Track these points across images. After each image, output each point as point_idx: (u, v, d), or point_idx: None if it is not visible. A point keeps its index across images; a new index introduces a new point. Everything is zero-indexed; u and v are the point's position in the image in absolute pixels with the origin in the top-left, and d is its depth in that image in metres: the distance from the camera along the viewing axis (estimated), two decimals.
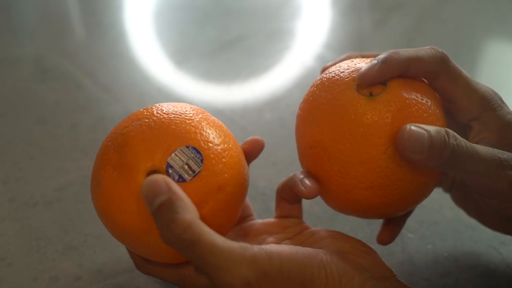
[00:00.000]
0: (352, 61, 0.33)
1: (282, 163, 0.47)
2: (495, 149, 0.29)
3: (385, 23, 0.73)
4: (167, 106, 0.31)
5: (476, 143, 0.31)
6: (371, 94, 0.30)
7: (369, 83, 0.31)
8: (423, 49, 0.31)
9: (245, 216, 0.36)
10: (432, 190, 0.33)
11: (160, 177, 0.27)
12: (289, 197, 0.35)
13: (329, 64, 0.36)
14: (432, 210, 0.41)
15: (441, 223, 0.40)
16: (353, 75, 0.31)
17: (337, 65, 0.34)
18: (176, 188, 0.27)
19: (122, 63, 0.64)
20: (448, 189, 0.38)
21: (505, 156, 0.29)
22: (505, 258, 0.37)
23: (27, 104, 0.56)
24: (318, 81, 0.33)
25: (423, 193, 0.32)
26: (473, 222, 0.40)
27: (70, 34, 0.72)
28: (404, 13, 0.76)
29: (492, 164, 0.29)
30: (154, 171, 0.28)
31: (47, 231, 0.40)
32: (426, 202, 0.42)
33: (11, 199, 0.43)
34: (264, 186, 0.44)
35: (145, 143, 0.29)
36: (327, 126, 0.31)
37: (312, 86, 0.34)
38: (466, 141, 0.28)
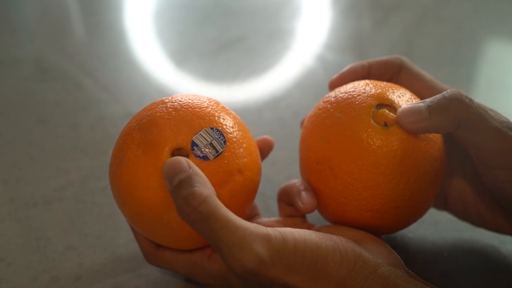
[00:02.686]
0: (368, 85, 0.34)
1: (282, 163, 0.47)
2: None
3: (385, 23, 0.73)
4: (190, 95, 0.33)
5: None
6: (385, 125, 0.32)
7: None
8: (383, 57, 0.37)
9: (253, 215, 0.37)
10: (425, 213, 0.35)
11: (181, 158, 0.28)
12: (289, 202, 0.35)
13: (335, 78, 0.38)
14: (432, 210, 0.41)
15: (441, 223, 0.40)
16: (369, 101, 0.33)
17: (351, 85, 0.35)
18: (196, 168, 0.28)
19: (122, 63, 0.64)
20: (442, 206, 0.38)
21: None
22: (505, 258, 0.37)
23: (27, 104, 0.56)
24: (333, 99, 0.34)
25: (416, 218, 0.35)
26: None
27: (70, 34, 0.72)
28: (404, 13, 0.76)
29: (503, 125, 0.30)
30: (179, 149, 0.30)
31: (47, 231, 0.40)
32: None
33: (11, 199, 0.43)
34: (264, 186, 0.44)
35: (171, 122, 0.30)
36: (338, 147, 0.32)
37: (324, 102, 0.35)
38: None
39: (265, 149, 0.37)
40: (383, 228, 0.33)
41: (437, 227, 0.40)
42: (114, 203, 0.42)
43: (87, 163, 0.47)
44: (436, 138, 0.33)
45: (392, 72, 0.37)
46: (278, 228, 0.28)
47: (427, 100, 0.31)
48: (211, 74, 0.63)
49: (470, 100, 0.30)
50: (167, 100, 0.32)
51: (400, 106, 0.32)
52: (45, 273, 0.37)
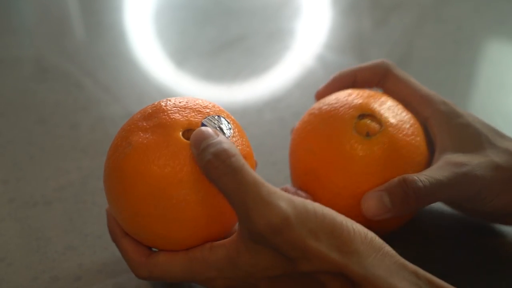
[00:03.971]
0: (350, 95, 0.36)
1: (282, 163, 0.47)
2: (455, 163, 0.32)
3: (385, 23, 0.73)
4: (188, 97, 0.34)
5: (435, 142, 0.36)
6: (367, 135, 0.34)
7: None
8: (368, 62, 0.38)
9: None
10: (411, 216, 0.37)
11: (209, 128, 0.29)
12: None
13: (321, 89, 0.39)
14: (432, 210, 0.41)
15: (441, 223, 0.40)
16: (351, 112, 0.34)
17: (334, 96, 0.37)
18: (223, 135, 0.29)
19: (122, 63, 0.64)
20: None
21: (464, 166, 0.32)
22: (505, 258, 0.37)
23: (27, 104, 0.56)
24: (316, 111, 0.36)
25: (403, 220, 0.36)
26: (473, 222, 0.40)
27: (70, 34, 0.72)
28: (404, 13, 0.76)
29: (456, 180, 0.31)
30: (189, 130, 0.30)
31: (47, 231, 0.40)
32: None
33: (11, 199, 0.43)
34: None
35: (179, 109, 0.31)
36: (324, 158, 0.34)
37: (309, 115, 0.37)
38: (427, 178, 0.31)
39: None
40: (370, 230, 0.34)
41: (437, 227, 0.40)
42: None
43: (87, 163, 0.47)
44: (419, 143, 0.35)
45: (379, 78, 0.38)
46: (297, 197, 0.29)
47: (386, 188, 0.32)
48: (211, 74, 0.63)
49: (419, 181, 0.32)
50: (170, 99, 0.32)
51: (381, 115, 0.34)
52: (45, 273, 0.37)
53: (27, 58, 0.65)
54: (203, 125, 0.30)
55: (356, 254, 0.27)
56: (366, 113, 0.34)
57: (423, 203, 0.32)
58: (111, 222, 0.33)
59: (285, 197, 0.27)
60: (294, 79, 0.60)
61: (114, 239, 0.33)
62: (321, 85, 0.40)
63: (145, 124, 0.31)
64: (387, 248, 0.29)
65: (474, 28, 0.72)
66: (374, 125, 0.34)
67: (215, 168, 0.27)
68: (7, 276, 0.36)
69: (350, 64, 0.39)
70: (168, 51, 0.68)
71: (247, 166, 0.28)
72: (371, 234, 0.29)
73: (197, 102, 0.32)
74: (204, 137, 0.28)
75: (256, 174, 0.28)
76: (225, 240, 0.30)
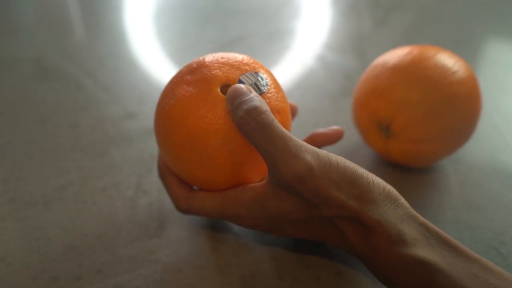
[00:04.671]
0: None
1: None
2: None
3: (385, 23, 0.73)
4: (229, 53, 0.36)
5: None
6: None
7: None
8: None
9: None
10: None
11: (244, 85, 0.32)
12: None
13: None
14: (432, 210, 0.41)
15: (441, 223, 0.40)
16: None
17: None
18: (255, 92, 0.32)
19: (122, 63, 0.64)
20: None
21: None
22: (505, 258, 0.37)
23: (27, 104, 0.56)
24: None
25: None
26: (473, 222, 0.40)
27: (70, 34, 0.72)
28: (404, 13, 0.76)
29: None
30: (227, 86, 0.33)
31: (47, 231, 0.40)
32: (426, 202, 0.42)
33: (11, 199, 0.43)
34: None
35: (220, 65, 0.34)
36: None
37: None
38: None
39: (291, 111, 0.41)
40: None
41: (437, 227, 0.40)
42: (114, 203, 0.43)
43: (87, 163, 0.47)
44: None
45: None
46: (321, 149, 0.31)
47: None
48: None
49: None
50: (213, 54, 0.36)
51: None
52: (45, 273, 0.37)
53: (27, 58, 0.65)
54: (239, 81, 0.33)
55: (373, 202, 0.30)
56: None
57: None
58: (160, 161, 0.38)
59: (310, 150, 0.30)
60: (294, 79, 0.60)
61: (161, 175, 0.37)
62: (321, 85, 0.41)
63: (189, 77, 0.34)
64: (402, 200, 0.31)
65: (474, 28, 0.72)
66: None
67: (247, 124, 0.30)
68: (7, 276, 0.36)
69: (350, 64, 0.39)
70: (168, 51, 0.68)
71: (276, 122, 0.30)
72: (389, 187, 0.31)
73: (237, 59, 0.35)
74: (238, 94, 0.31)
75: (284, 129, 0.30)
76: (256, 184, 0.33)
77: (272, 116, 0.31)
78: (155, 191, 0.44)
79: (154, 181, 0.45)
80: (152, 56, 0.66)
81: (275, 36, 0.71)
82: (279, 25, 0.74)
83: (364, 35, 0.71)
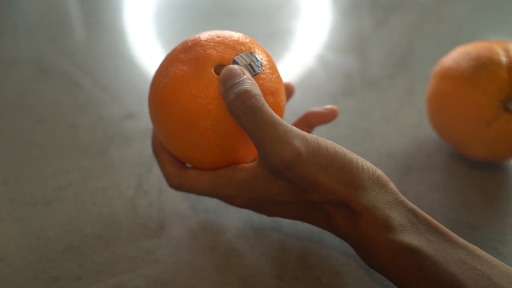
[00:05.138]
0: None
1: None
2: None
3: (385, 23, 0.73)
4: (226, 31, 0.36)
5: None
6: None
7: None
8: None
9: None
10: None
11: (236, 66, 0.32)
12: None
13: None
14: (432, 210, 0.41)
15: (441, 223, 0.40)
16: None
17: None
18: (248, 74, 0.32)
19: (121, 63, 0.64)
20: None
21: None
22: (505, 258, 0.37)
23: (27, 104, 0.56)
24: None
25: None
26: (473, 222, 0.40)
27: (70, 34, 0.72)
28: (404, 13, 0.76)
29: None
30: (221, 65, 0.33)
31: (47, 231, 0.40)
32: (426, 202, 0.42)
33: (11, 199, 0.43)
34: None
35: (215, 44, 0.34)
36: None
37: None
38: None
39: (286, 92, 0.40)
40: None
41: None
42: (114, 203, 0.43)
43: (87, 163, 0.47)
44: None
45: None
46: (311, 134, 0.31)
47: None
48: None
49: None
50: (209, 32, 0.35)
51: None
52: (45, 273, 0.37)
53: (27, 58, 0.65)
54: (234, 62, 0.33)
55: (361, 187, 0.30)
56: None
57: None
58: (154, 137, 0.38)
59: (299, 135, 0.30)
60: (294, 79, 0.60)
61: (155, 152, 0.37)
62: (321, 85, 0.40)
63: (183, 56, 0.34)
64: (391, 185, 0.31)
65: (474, 28, 0.72)
66: None
67: (237, 107, 0.30)
68: (7, 276, 0.36)
69: (350, 64, 0.39)
70: (168, 51, 0.68)
71: (266, 107, 0.30)
72: (379, 172, 0.31)
73: (233, 38, 0.34)
74: (231, 76, 0.31)
75: (274, 114, 0.30)
76: (247, 165, 0.33)
77: (262, 100, 0.31)
78: (155, 191, 0.44)
79: (154, 181, 0.45)
80: (152, 56, 0.66)
81: (275, 36, 0.71)
82: (279, 25, 0.74)
83: (364, 35, 0.71)
